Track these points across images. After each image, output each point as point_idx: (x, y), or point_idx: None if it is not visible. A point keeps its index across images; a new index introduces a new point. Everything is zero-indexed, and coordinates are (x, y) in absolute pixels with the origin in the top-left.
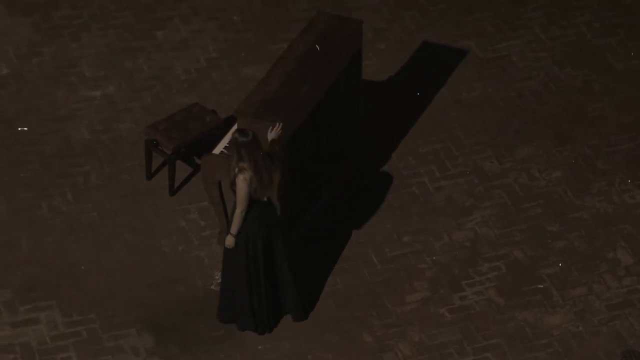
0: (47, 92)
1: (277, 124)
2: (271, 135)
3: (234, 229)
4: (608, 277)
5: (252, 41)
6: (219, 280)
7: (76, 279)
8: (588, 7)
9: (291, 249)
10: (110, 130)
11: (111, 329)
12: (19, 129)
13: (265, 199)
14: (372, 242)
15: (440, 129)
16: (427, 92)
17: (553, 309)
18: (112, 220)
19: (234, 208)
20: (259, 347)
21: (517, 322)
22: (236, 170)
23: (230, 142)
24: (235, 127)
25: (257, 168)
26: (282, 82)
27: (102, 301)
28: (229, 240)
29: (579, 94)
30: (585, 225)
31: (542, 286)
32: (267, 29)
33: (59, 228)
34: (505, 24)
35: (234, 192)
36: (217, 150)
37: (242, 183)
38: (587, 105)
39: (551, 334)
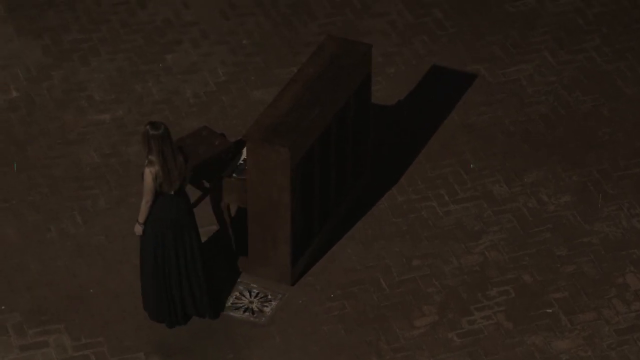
0: (56, 116)
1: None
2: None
3: (141, 217)
4: (617, 302)
5: (261, 65)
6: None
7: (85, 302)
8: (598, 32)
9: (202, 245)
10: (119, 153)
11: (120, 352)
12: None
13: (172, 192)
14: (381, 266)
15: (450, 153)
16: (437, 116)
17: (562, 334)
18: (120, 243)
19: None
20: None
21: (525, 346)
22: (146, 162)
23: (141, 135)
24: (244, 151)
25: (165, 163)
26: (291, 106)
27: (110, 324)
28: (136, 228)
29: (589, 118)
30: (594, 250)
31: (550, 311)
32: (276, 53)
33: (68, 251)
34: (514, 48)
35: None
36: (226, 174)
37: (148, 176)
38: (597, 130)
39: (560, 359)
